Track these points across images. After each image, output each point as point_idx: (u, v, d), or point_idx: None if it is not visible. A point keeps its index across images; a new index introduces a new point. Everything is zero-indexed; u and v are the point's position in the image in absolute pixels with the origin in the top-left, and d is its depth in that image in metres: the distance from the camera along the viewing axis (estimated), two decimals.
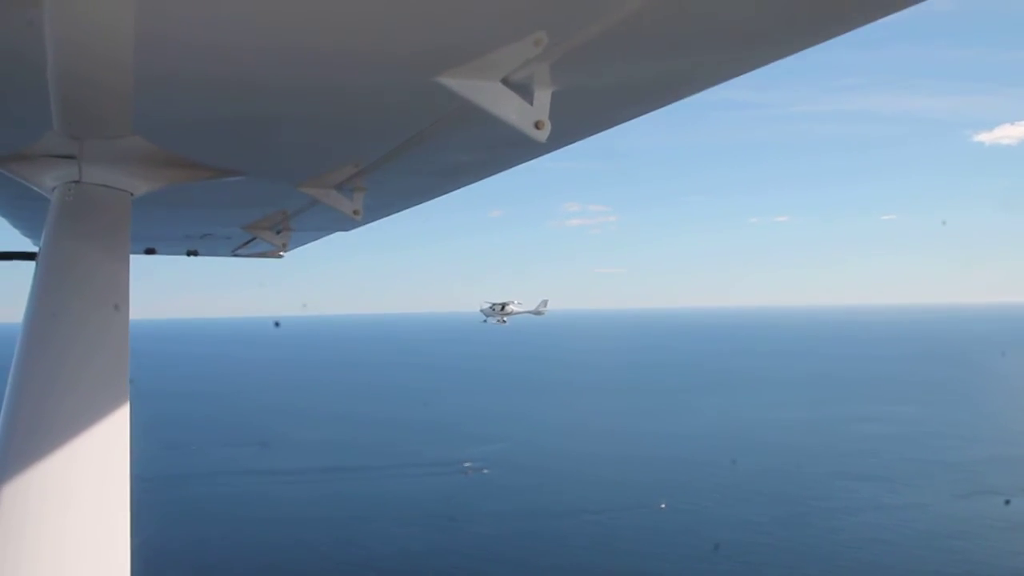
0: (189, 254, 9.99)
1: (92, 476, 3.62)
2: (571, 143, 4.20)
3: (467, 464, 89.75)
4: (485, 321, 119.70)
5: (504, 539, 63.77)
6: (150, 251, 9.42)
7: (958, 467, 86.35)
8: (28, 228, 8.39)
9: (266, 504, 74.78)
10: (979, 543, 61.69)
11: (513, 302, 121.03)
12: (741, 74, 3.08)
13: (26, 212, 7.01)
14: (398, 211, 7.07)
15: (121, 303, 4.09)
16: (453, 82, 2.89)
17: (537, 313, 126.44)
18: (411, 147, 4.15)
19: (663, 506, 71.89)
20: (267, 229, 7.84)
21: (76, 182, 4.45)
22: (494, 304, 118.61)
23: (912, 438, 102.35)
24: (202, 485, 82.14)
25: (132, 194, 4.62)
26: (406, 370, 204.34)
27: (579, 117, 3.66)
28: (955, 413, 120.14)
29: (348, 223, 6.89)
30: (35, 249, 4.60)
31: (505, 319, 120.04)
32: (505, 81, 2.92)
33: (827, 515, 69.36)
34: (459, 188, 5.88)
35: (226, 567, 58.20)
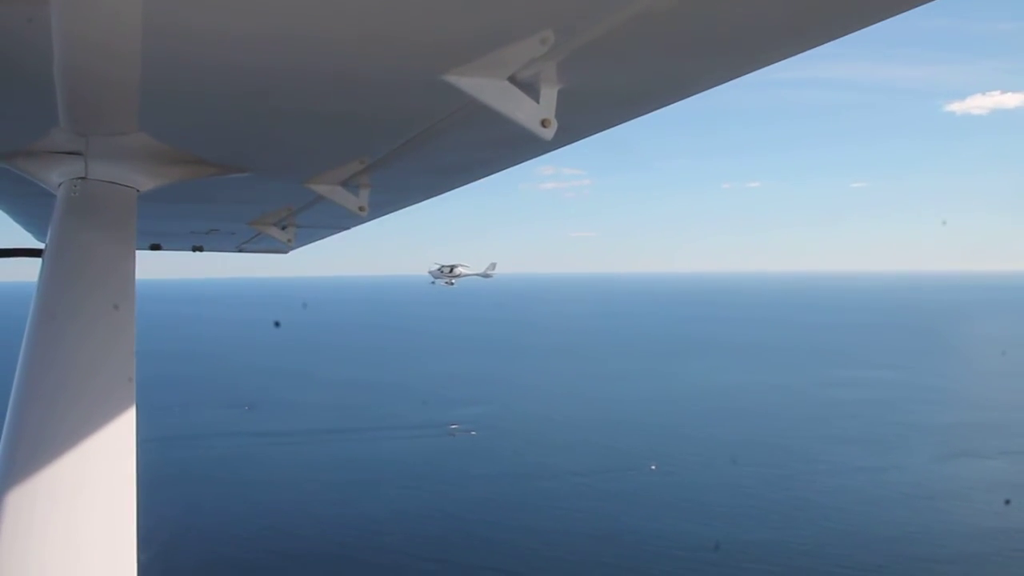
0: (194, 249, 10.06)
1: (98, 471, 3.65)
2: (577, 140, 4.24)
3: (453, 426, 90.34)
4: (433, 283, 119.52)
5: (499, 501, 64.45)
6: (155, 247, 9.53)
7: (935, 430, 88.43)
8: (34, 225, 8.45)
9: (255, 466, 75.00)
10: (960, 503, 63.47)
11: (461, 264, 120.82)
12: (747, 73, 3.10)
13: (32, 208, 7.04)
14: (403, 207, 7.12)
15: (127, 298, 4.11)
16: (460, 80, 2.92)
17: (485, 276, 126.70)
18: (417, 144, 4.18)
19: (653, 467, 73.03)
20: (273, 225, 7.88)
21: (82, 178, 4.46)
22: (442, 266, 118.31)
23: (889, 402, 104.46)
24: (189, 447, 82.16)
25: (138, 190, 4.64)
26: (378, 332, 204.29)
27: (585, 115, 3.70)
28: (928, 379, 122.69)
29: (354, 219, 6.93)
30: (40, 245, 4.64)
31: (453, 281, 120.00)
32: (512, 79, 2.94)
33: (812, 477, 70.81)
34: (465, 184, 5.92)
35: (218, 529, 58.33)
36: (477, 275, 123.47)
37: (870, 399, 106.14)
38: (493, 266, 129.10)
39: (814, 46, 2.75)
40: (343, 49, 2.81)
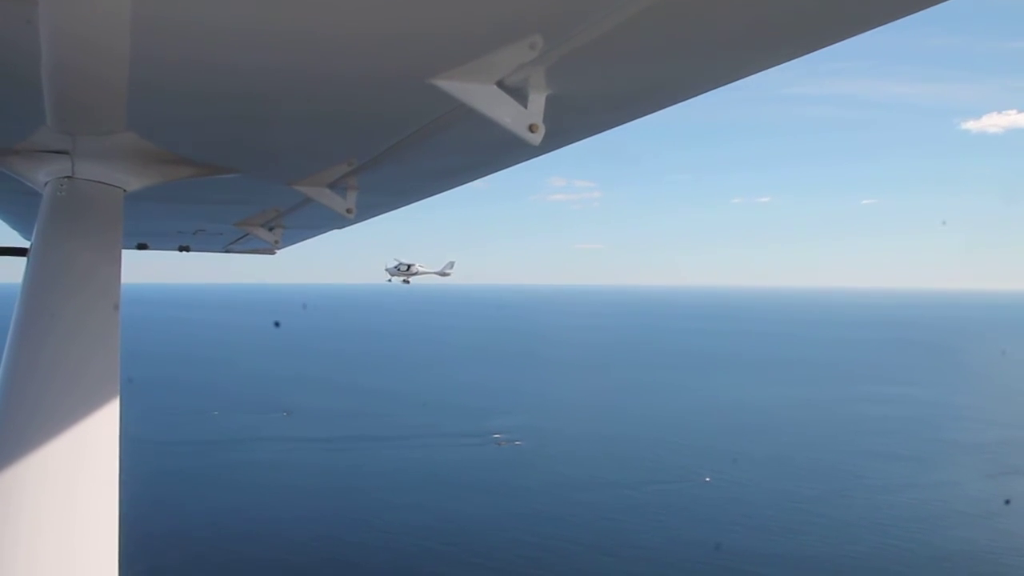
0: (181, 249, 10.10)
1: (82, 468, 3.63)
2: (565, 146, 4.24)
3: (497, 436, 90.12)
4: (390, 280, 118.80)
5: (562, 510, 64.18)
6: (142, 246, 9.61)
7: (980, 448, 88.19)
8: (19, 223, 8.51)
9: (305, 471, 74.76)
10: (1020, 522, 63.21)
11: (418, 264, 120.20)
12: (734, 80, 3.13)
13: (18, 207, 7.10)
14: (391, 209, 7.20)
15: (112, 298, 4.09)
16: (448, 84, 2.93)
17: (442, 275, 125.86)
18: (405, 147, 4.18)
19: (707, 480, 72.85)
20: (260, 226, 7.91)
21: (68, 177, 4.48)
22: (400, 263, 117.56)
23: (924, 419, 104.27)
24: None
25: (125, 190, 4.64)
26: (390, 340, 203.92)
27: (573, 120, 3.71)
28: (954, 396, 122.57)
29: (341, 221, 6.88)
30: (26, 244, 4.65)
31: (409, 280, 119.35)
32: (500, 84, 2.95)
33: (867, 492, 70.49)
34: (453, 188, 5.96)
35: (276, 534, 58.10)
36: (435, 273, 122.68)
37: (902, 416, 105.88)
38: (451, 265, 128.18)
39: (801, 55, 2.78)
40: (332, 52, 2.82)
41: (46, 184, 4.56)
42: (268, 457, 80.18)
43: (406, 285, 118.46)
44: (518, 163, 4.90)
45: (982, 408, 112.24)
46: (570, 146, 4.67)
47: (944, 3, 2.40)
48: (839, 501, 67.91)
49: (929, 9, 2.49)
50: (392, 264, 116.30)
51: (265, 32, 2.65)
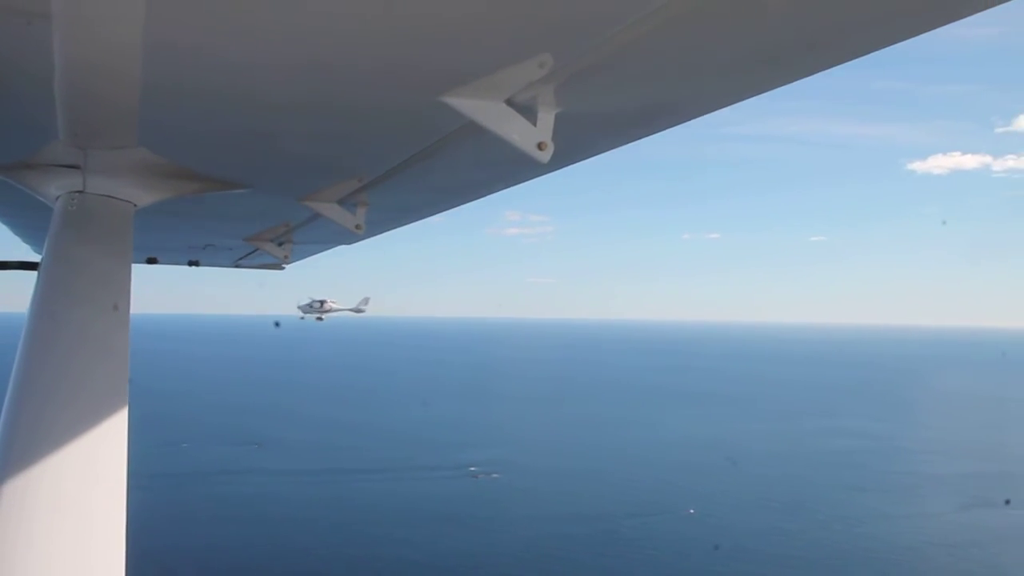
0: (191, 264, 10.09)
1: (90, 480, 3.66)
2: (573, 163, 4.27)
3: (473, 468, 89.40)
4: (303, 318, 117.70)
5: (543, 542, 63.81)
6: (152, 260, 9.56)
7: (946, 480, 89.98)
8: (31, 237, 8.54)
9: (279, 503, 73.32)
10: (997, 551, 64.62)
11: (330, 300, 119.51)
12: (740, 100, 3.18)
13: (29, 221, 7.15)
14: (400, 225, 7.23)
15: (122, 312, 4.13)
16: (457, 101, 2.96)
17: (357, 311, 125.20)
18: (414, 164, 4.22)
19: (691, 512, 73.08)
20: (269, 241, 7.95)
21: (79, 192, 4.50)
22: (313, 301, 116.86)
23: (888, 452, 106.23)
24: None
25: (135, 205, 4.67)
26: (346, 373, 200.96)
27: (581, 138, 3.74)
28: (918, 430, 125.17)
29: (350, 236, 6.90)
30: (36, 257, 4.67)
31: (322, 316, 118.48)
32: (509, 102, 2.99)
33: (846, 524, 71.36)
34: (461, 204, 5.99)
35: (254, 568, 56.80)
36: (348, 311, 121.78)
37: (862, 449, 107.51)
38: (366, 301, 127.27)
39: (807, 75, 2.85)
40: (343, 71, 2.87)
41: (57, 198, 4.57)
42: (242, 490, 78.38)
43: (320, 322, 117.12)
44: (526, 180, 4.96)
45: (945, 441, 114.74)
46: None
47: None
48: (821, 533, 68.66)
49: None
50: (305, 302, 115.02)
51: (276, 53, 2.68)
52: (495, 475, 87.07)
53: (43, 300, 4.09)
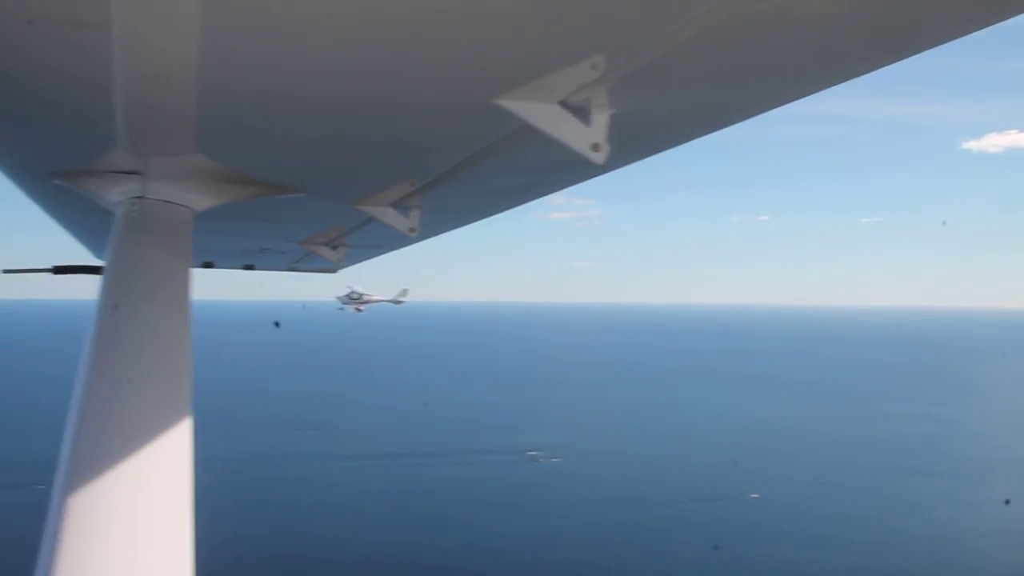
0: (246, 268, 10.36)
1: (156, 482, 3.71)
2: (626, 164, 4.25)
3: (532, 453, 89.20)
4: (341, 309, 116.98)
5: (608, 527, 63.56)
6: (208, 264, 9.75)
7: (1010, 466, 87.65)
8: (91, 241, 8.75)
9: (332, 488, 74.00)
10: None
11: (369, 292, 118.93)
12: (795, 99, 3.14)
13: (90, 225, 7.25)
14: (453, 228, 7.25)
15: (183, 315, 4.23)
16: (511, 104, 2.94)
17: (396, 302, 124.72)
18: (468, 166, 4.20)
19: (755, 496, 72.24)
20: (323, 245, 7.99)
21: (140, 197, 4.61)
22: (352, 291, 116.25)
23: (956, 437, 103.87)
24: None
25: (194, 210, 4.77)
26: (392, 360, 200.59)
27: (635, 139, 3.72)
28: (986, 414, 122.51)
29: (404, 240, 7.02)
30: (97, 262, 4.85)
31: (362, 307, 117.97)
32: (563, 103, 2.95)
33: (913, 510, 69.97)
34: (515, 206, 6.04)
35: (307, 559, 57.25)
36: (387, 301, 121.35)
37: (925, 433, 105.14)
38: (404, 292, 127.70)
39: (866, 72, 2.78)
40: (398, 77, 2.88)
41: (118, 204, 4.70)
42: (303, 474, 79.32)
43: (359, 313, 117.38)
44: (580, 181, 4.97)
45: (1007, 426, 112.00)
46: None
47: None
48: (890, 519, 67.31)
49: None
50: (344, 292, 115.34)
51: (330, 59, 2.70)
52: (555, 459, 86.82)
53: (108, 304, 4.17)
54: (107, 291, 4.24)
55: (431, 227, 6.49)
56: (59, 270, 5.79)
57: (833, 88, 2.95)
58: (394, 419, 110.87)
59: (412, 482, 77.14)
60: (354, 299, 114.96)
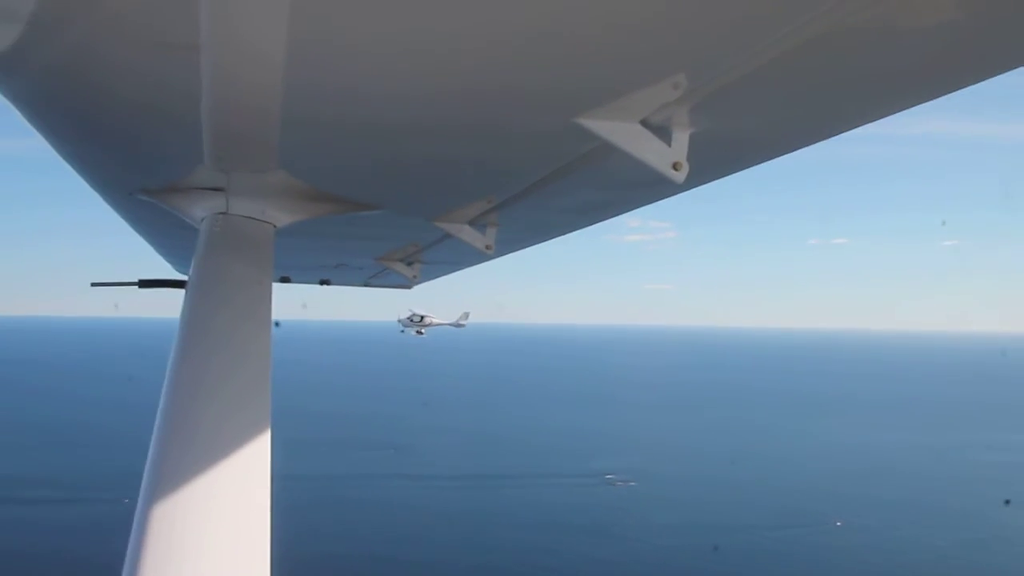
0: (322, 283, 10.34)
1: (235, 505, 3.73)
2: (706, 183, 4.23)
3: (609, 476, 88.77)
4: (403, 331, 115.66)
5: (687, 552, 62.90)
6: (285, 279, 9.81)
7: None
8: (173, 256, 8.92)
9: (410, 509, 74.41)
10: None
11: (430, 315, 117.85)
12: (875, 120, 3.09)
13: (173, 240, 7.40)
14: (529, 245, 7.19)
15: (265, 329, 4.26)
16: (592, 123, 2.94)
17: (457, 326, 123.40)
18: (547, 184, 4.19)
19: (839, 524, 70.66)
20: (399, 261, 8.00)
21: (223, 213, 4.70)
22: (413, 314, 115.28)
23: None
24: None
25: (275, 226, 4.83)
26: (462, 381, 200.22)
27: (715, 159, 3.71)
28: None
29: (480, 256, 6.89)
30: (180, 276, 4.91)
31: (423, 331, 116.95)
32: (644, 122, 2.96)
33: (1002, 543, 67.40)
34: (592, 224, 5.98)
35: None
36: (449, 324, 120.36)
37: (1020, 463, 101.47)
38: (465, 316, 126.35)
39: (949, 92, 2.74)
40: (480, 100, 2.91)
41: (202, 220, 4.81)
42: (382, 495, 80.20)
43: (420, 336, 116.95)
44: (659, 200, 4.98)
45: None
46: None
47: None
48: (978, 551, 65.10)
49: None
50: (406, 315, 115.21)
51: (410, 81, 2.72)
52: (632, 483, 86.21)
53: (192, 317, 4.29)
54: (191, 305, 4.34)
55: (507, 244, 6.52)
56: (144, 284, 5.85)
57: (918, 108, 3.04)
58: (470, 441, 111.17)
59: (490, 504, 77.45)
60: (415, 322, 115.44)
